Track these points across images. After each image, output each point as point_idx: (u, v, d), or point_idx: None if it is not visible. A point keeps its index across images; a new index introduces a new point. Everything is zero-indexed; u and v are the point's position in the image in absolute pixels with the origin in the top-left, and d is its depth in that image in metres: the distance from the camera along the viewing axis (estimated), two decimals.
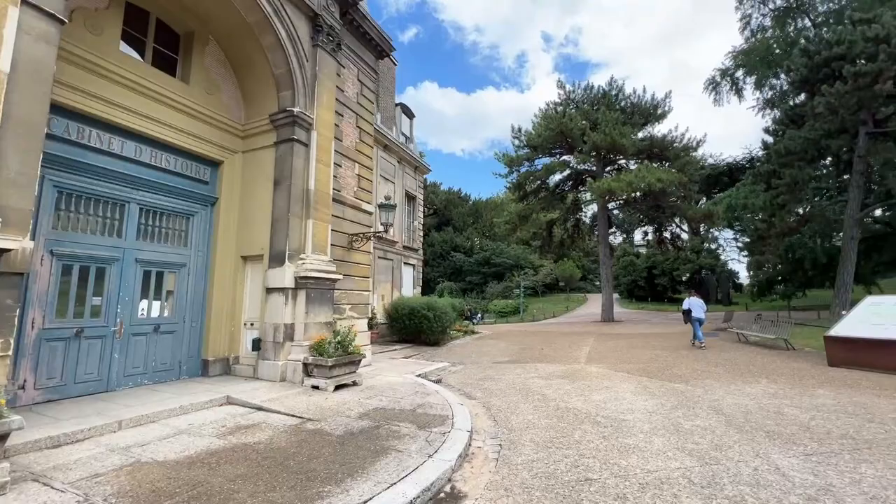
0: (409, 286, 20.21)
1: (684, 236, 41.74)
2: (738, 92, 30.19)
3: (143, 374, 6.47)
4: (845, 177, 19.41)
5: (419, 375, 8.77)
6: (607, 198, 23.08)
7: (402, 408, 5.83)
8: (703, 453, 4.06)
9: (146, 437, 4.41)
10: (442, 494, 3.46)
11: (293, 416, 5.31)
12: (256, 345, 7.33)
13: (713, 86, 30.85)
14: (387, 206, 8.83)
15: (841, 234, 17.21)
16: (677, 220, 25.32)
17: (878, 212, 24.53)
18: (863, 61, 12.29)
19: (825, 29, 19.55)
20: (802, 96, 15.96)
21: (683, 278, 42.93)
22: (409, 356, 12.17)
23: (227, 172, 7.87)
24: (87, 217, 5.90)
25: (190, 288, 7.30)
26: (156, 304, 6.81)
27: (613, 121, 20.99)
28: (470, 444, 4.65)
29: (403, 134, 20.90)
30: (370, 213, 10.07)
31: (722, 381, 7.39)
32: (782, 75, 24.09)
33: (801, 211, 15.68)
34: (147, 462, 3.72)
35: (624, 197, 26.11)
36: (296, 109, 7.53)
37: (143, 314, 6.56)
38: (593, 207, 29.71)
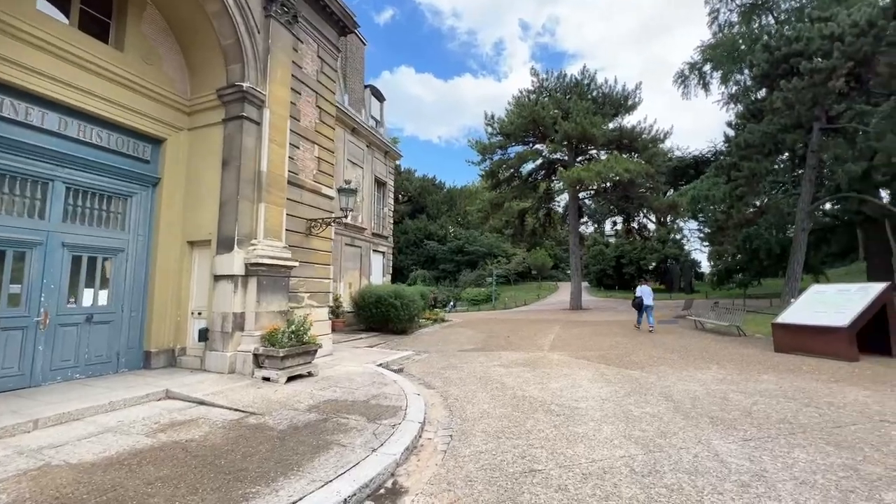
0: (378, 274, 19.91)
1: (651, 226, 42.97)
2: (705, 86, 30.98)
3: (75, 367, 6.00)
4: (799, 171, 20.35)
5: (380, 365, 8.61)
6: (577, 187, 23.32)
7: (356, 399, 5.66)
8: (648, 441, 4.08)
9: (64, 437, 4.05)
10: (382, 490, 3.32)
11: (236, 409, 5.03)
12: (203, 335, 6.95)
13: (682, 79, 31.50)
14: (347, 191, 8.49)
15: (794, 225, 18.08)
16: (644, 210, 25.94)
17: (828, 205, 25.91)
18: (819, 58, 12.73)
19: (786, 26, 20.19)
20: (763, 92, 16.47)
21: (650, 267, 44.36)
22: (374, 345, 11.96)
23: (170, 151, 7.32)
24: (2, 196, 5.32)
25: (129, 275, 6.80)
26: (89, 293, 6.30)
27: (584, 110, 21.09)
28: (420, 436, 4.54)
29: (373, 118, 20.32)
30: (331, 198, 9.68)
31: (675, 368, 7.58)
32: (746, 70, 24.82)
33: (758, 203, 16.33)
34: (58, 465, 3.40)
35: (594, 187, 26.47)
36: (245, 84, 7.04)
37: (72, 304, 6.05)
38: (565, 197, 30.05)
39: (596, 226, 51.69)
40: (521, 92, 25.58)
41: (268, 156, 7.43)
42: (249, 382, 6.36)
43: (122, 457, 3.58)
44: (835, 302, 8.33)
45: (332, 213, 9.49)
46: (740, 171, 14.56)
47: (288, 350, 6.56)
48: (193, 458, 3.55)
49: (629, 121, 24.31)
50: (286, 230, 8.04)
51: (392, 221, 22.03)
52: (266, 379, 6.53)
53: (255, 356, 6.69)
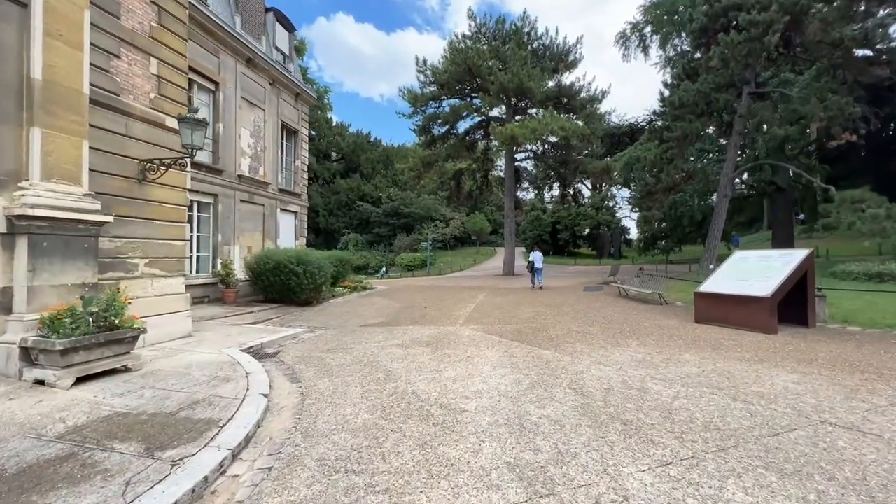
0: (288, 237, 17.59)
1: (587, 192, 43.60)
2: (645, 49, 30.63)
3: None
4: (723, 142, 20.66)
5: (249, 349, 6.91)
6: (513, 147, 22.08)
7: (162, 409, 3.98)
8: (537, 473, 2.85)
9: None
10: None
11: None
12: None
13: (623, 39, 30.85)
14: (192, 122, 6.27)
15: (716, 193, 18.37)
16: (580, 175, 25.52)
17: (745, 175, 27.18)
18: (757, 13, 12.08)
19: None
20: (699, 54, 15.95)
21: (584, 233, 45.45)
22: (262, 321, 10.10)
23: None
24: None
25: None
26: None
27: (522, 60, 19.47)
28: (219, 475, 3.00)
29: (279, 50, 17.23)
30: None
31: (593, 345, 6.66)
32: (684, 34, 24.50)
33: (686, 169, 16.23)
34: None
35: (530, 147, 25.47)
36: None
37: None
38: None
39: (537, 192, 51.76)
40: (456, 37, 23.25)
41: (44, 58, 5.03)
42: (7, 390, 4.38)
43: None
44: (757, 269, 7.83)
45: (185, 153, 7.19)
46: (672, 132, 14.02)
47: (75, 340, 4.61)
48: None
49: (569, 78, 23.21)
50: (97, 172, 5.80)
51: (307, 177, 19.47)
52: (40, 382, 4.57)
53: (25, 350, 4.65)
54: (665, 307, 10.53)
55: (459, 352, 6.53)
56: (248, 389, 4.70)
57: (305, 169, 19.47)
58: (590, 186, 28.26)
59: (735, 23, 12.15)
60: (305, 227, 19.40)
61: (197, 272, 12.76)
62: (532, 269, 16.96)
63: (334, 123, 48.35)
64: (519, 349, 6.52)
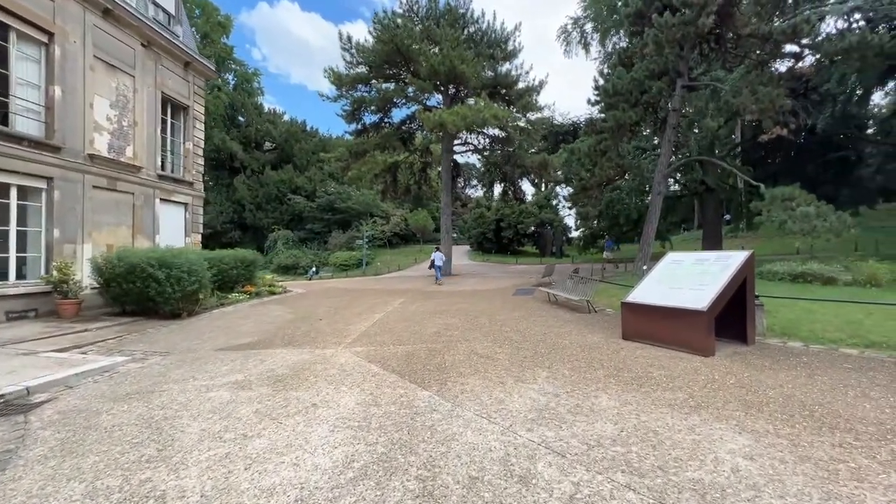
0: (174, 233, 14.73)
1: (531, 190, 43.13)
2: (586, 46, 30.27)
3: None
4: (657, 141, 20.41)
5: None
6: (442, 134, 20.39)
7: None
8: None
9: None
10: None
11: None
12: None
13: (565, 34, 30.33)
14: None
15: (651, 191, 17.87)
16: (519, 170, 24.43)
17: (679, 175, 27.53)
18: None
19: None
20: (634, 41, 15.21)
21: (528, 231, 45.05)
22: (88, 344, 7.57)
23: None
24: None
25: None
26: None
27: (455, 41, 17.84)
28: None
29: (160, 6, 14.28)
30: None
31: (491, 381, 5.01)
32: (622, 32, 24.16)
33: (620, 163, 15.52)
34: None
35: (471, 141, 24.02)
36: None
37: None
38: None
39: (485, 190, 50.70)
40: (385, 13, 21.07)
41: None
42: None
43: None
44: (691, 275, 6.64)
45: None
46: (606, 122, 13.01)
47: None
48: None
49: (507, 68, 21.93)
50: None
51: (202, 162, 16.57)
52: None
53: None
54: (593, 316, 9.28)
55: (309, 395, 4.63)
56: None
57: (201, 153, 16.57)
58: (531, 182, 27.31)
59: (670, 4, 11.30)
60: (200, 221, 16.52)
61: (18, 278, 9.82)
62: (433, 265, 20.02)
63: (266, 110, 44.22)
64: (390, 390, 4.72)
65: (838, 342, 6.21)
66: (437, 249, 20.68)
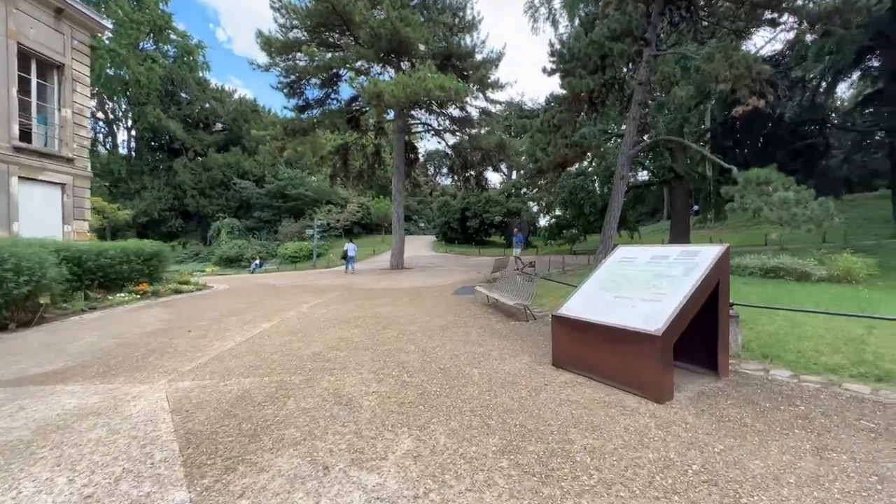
0: (45, 221, 11.99)
1: (496, 177, 41.22)
2: (554, 22, 28.34)
3: None
4: (623, 127, 18.87)
5: None
6: (384, 109, 18.08)
7: None
8: None
9: None
10: None
11: None
12: None
13: (532, 10, 28.26)
14: None
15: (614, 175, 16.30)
16: (475, 153, 22.41)
17: (647, 161, 26.16)
18: None
19: None
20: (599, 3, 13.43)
21: (495, 221, 43.29)
22: None
23: None
24: None
25: None
26: None
27: (398, 1, 15.53)
28: None
29: None
30: None
31: (313, 461, 2.92)
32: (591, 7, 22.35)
33: (577, 142, 13.76)
34: None
35: (426, 121, 21.78)
36: None
37: None
38: (424, 142, 24.85)
39: (455, 178, 48.45)
40: None
41: None
42: None
43: None
44: (645, 278, 4.80)
45: None
46: (562, 90, 11.14)
47: None
48: None
49: (463, 40, 19.75)
50: None
51: (88, 136, 13.74)
52: None
53: None
54: (530, 326, 7.41)
55: None
56: None
57: (86, 124, 13.72)
58: (492, 167, 25.38)
59: None
60: (86, 206, 13.73)
61: None
62: (345, 256, 20.84)
63: (214, 84, 40.35)
64: (127, 487, 2.62)
65: (838, 371, 4.51)
66: (350, 241, 21.97)
